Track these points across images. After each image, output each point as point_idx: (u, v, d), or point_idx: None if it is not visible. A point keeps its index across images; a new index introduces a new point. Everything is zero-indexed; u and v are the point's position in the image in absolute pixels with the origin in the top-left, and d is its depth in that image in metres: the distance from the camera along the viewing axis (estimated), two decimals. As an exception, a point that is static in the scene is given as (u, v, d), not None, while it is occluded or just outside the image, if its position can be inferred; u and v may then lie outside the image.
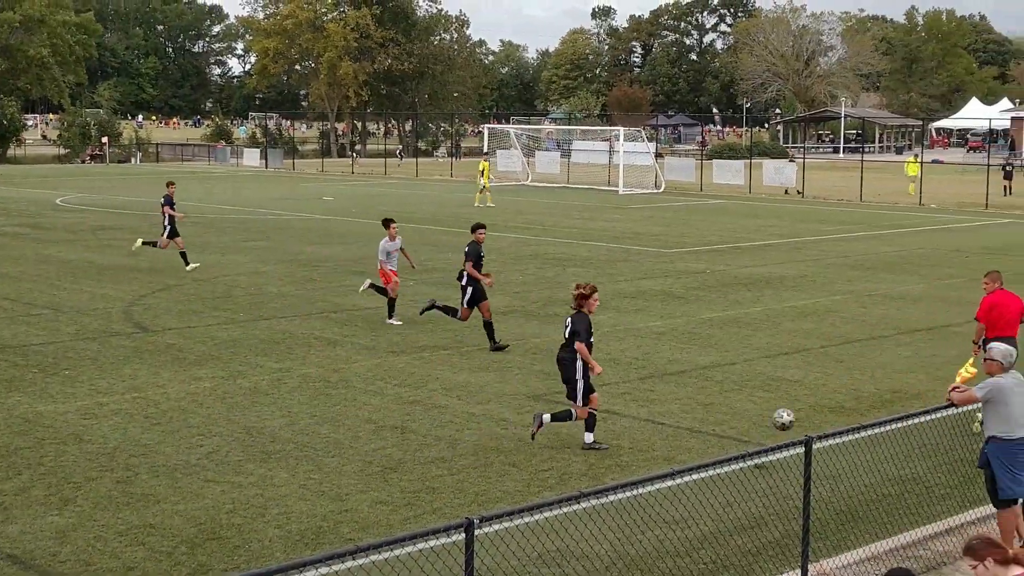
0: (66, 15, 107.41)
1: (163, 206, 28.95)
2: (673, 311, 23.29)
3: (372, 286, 22.01)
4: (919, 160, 57.31)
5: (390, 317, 21.75)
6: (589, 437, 13.80)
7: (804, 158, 64.10)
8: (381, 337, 20.37)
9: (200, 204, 48.85)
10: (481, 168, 51.04)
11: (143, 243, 29.62)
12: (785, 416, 11.23)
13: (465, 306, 19.76)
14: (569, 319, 13.89)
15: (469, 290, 19.62)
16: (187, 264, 28.52)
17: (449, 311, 20.21)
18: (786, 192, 56.95)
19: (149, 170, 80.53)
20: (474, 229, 20.04)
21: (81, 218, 42.50)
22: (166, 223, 28.75)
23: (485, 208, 47.28)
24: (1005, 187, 56.91)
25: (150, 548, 10.70)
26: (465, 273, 19.64)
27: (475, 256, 19.67)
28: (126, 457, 13.29)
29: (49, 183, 63.07)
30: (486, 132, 70.50)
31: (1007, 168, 59.61)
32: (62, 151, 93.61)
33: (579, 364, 13.71)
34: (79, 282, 26.61)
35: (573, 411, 13.84)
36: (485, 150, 59.73)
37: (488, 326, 19.53)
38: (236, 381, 16.99)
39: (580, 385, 13.75)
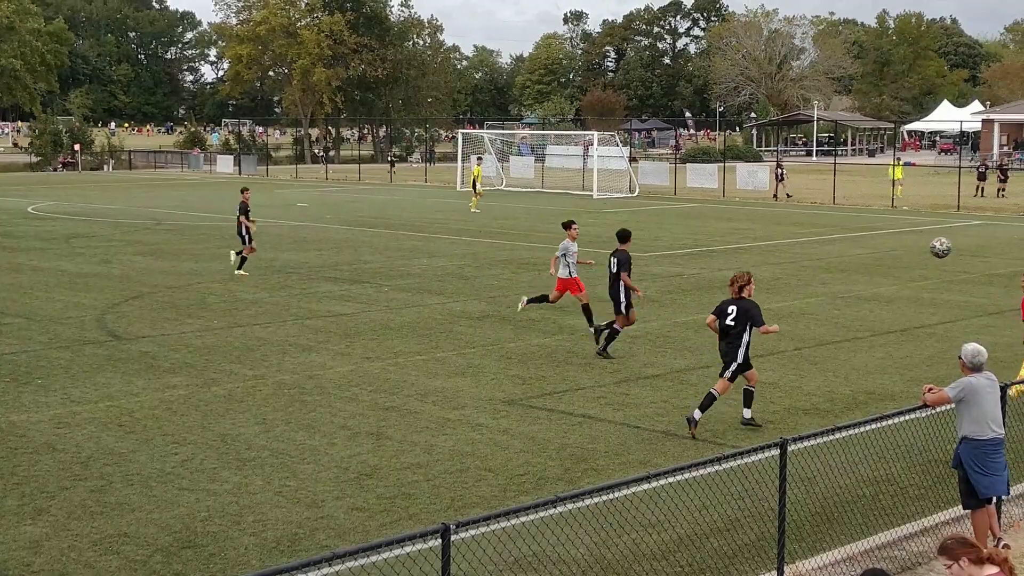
0: (36, 22, 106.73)
1: (239, 215, 29.30)
2: (648, 315, 23.31)
3: (532, 300, 21.37)
4: (900, 163, 57.57)
5: (591, 325, 20.68)
6: (748, 412, 14.96)
7: (777, 161, 64.31)
8: (356, 343, 20.34)
9: (173, 211, 48.70)
10: (475, 173, 51.19)
11: (236, 253, 29.45)
12: (940, 244, 11.28)
13: (623, 313, 19.39)
14: (733, 307, 14.69)
15: (623, 298, 19.32)
16: (239, 268, 28.85)
17: (608, 326, 19.87)
18: (789, 197, 56.22)
19: (122, 177, 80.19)
20: (625, 239, 19.81)
21: (53, 226, 42.28)
22: (243, 232, 29.11)
23: (471, 214, 47.37)
24: (978, 188, 57.26)
25: (125, 557, 10.65)
26: (622, 285, 19.27)
27: (629, 265, 19.45)
28: (100, 466, 13.22)
29: (21, 191, 62.72)
30: (460, 138, 70.46)
31: (981, 170, 60.03)
32: (34, 159, 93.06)
33: (742, 348, 14.72)
34: (51, 291, 26.46)
35: (715, 393, 14.81)
36: (478, 156, 59.31)
37: (614, 331, 19.48)
38: (210, 389, 16.93)
39: (735, 365, 14.77)
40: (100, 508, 11.87)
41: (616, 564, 10.34)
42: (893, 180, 54.38)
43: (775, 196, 56.32)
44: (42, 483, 12.63)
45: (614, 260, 19.41)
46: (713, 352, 19.67)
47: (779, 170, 57.77)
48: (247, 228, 29.19)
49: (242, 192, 30.26)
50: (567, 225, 21.46)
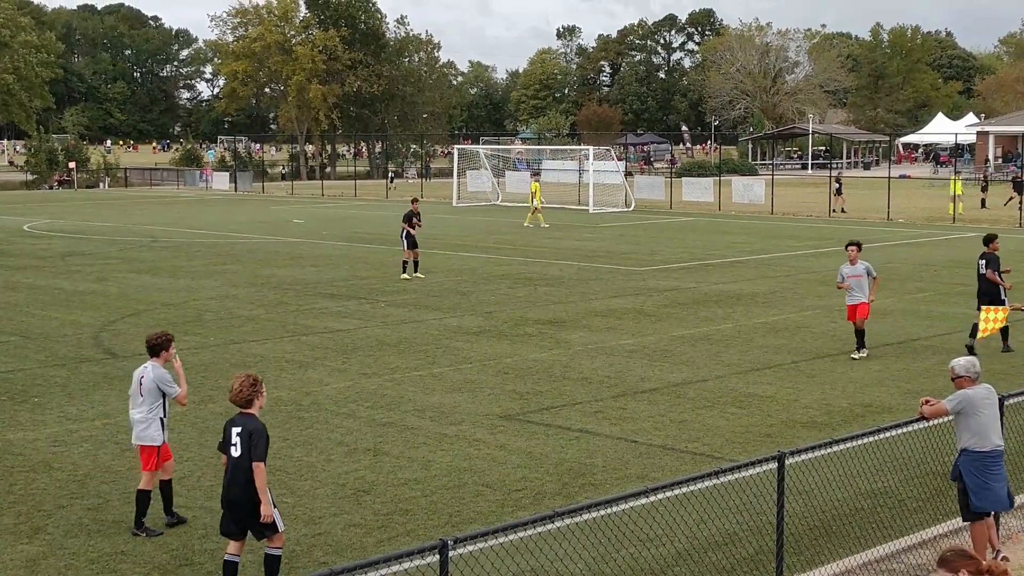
0: (27, 36, 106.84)
1: (403, 221, 32.11)
2: (645, 329, 23.32)
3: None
4: (959, 177, 56.12)
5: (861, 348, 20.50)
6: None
7: (773, 174, 64.36)
8: (352, 359, 20.32)
9: (169, 228, 48.69)
10: (532, 190, 50.78)
11: (407, 271, 31.57)
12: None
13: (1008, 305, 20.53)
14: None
15: (1003, 295, 20.33)
16: (403, 272, 31.36)
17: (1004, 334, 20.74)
18: (843, 211, 54.70)
19: (117, 195, 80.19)
20: (988, 241, 20.83)
21: (49, 244, 42.25)
22: (404, 236, 31.66)
23: (537, 229, 47.10)
24: (983, 200, 57.27)
25: None
26: (1002, 288, 20.32)
27: (997, 264, 20.45)
28: (97, 484, 13.20)
29: (16, 209, 62.69)
30: (456, 153, 70.57)
31: (983, 183, 60.13)
32: (29, 177, 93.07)
33: None
34: (48, 308, 26.43)
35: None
36: (536, 171, 57.95)
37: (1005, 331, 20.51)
38: (207, 406, 16.90)
39: None
40: (97, 526, 11.84)
41: (614, 579, 10.32)
42: (954, 195, 53.03)
43: (840, 210, 54.70)
44: (39, 501, 12.60)
45: (982, 262, 20.57)
46: (710, 365, 19.77)
47: (837, 184, 56.17)
48: (409, 233, 31.49)
49: (412, 202, 34.01)
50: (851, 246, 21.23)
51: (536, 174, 55.70)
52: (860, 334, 20.50)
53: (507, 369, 19.42)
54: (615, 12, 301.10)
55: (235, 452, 10.04)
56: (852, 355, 20.40)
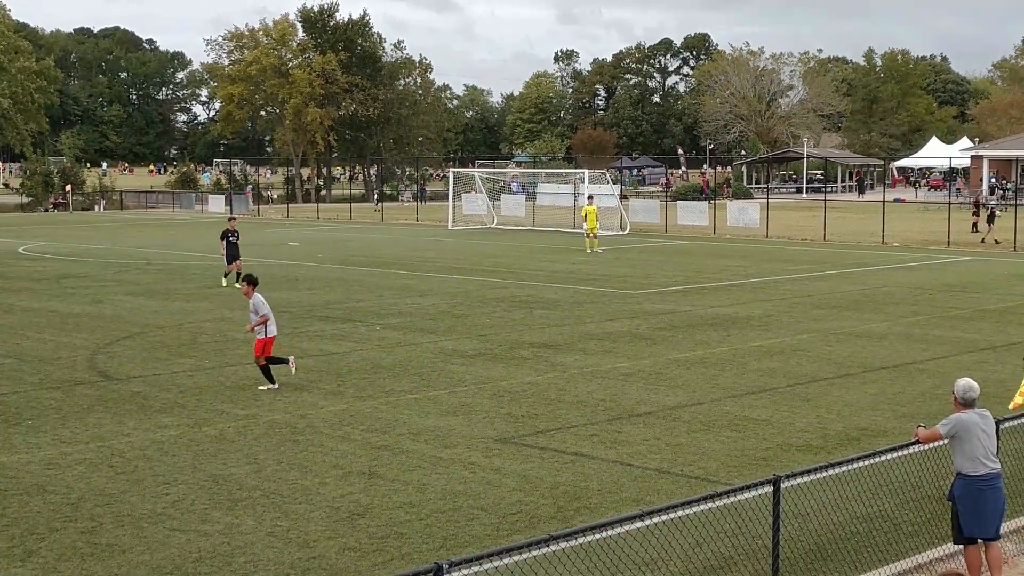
0: (27, 61, 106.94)
1: (220, 238, 35.65)
2: (640, 352, 23.32)
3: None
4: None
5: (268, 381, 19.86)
6: None
7: (768, 198, 64.44)
8: (348, 382, 20.30)
9: (164, 251, 48.69)
10: (584, 213, 49.90)
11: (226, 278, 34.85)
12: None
13: None
14: None
15: None
16: (224, 279, 34.84)
17: None
18: (996, 242, 50.47)
19: (113, 217, 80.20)
20: None
21: (44, 266, 42.21)
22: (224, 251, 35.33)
23: (591, 254, 46.53)
24: (974, 224, 57.29)
25: (115, 599, 10.57)
26: None
27: None
28: (91, 507, 13.15)
29: (12, 231, 62.67)
30: (451, 176, 70.70)
31: (974, 208, 60.19)
32: (25, 199, 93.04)
33: None
34: (42, 331, 26.39)
35: None
36: (588, 196, 56.13)
37: None
38: (202, 428, 16.87)
39: None
40: (91, 550, 11.79)
41: (610, 603, 10.28)
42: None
43: (995, 241, 50.58)
44: (32, 525, 12.55)
45: None
46: (705, 388, 19.76)
47: (979, 209, 53.05)
48: (228, 245, 35.40)
49: (229, 220, 37.21)
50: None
51: (591, 198, 53.78)
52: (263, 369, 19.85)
53: (502, 392, 19.41)
54: (598, 36, 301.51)
55: None
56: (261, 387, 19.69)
